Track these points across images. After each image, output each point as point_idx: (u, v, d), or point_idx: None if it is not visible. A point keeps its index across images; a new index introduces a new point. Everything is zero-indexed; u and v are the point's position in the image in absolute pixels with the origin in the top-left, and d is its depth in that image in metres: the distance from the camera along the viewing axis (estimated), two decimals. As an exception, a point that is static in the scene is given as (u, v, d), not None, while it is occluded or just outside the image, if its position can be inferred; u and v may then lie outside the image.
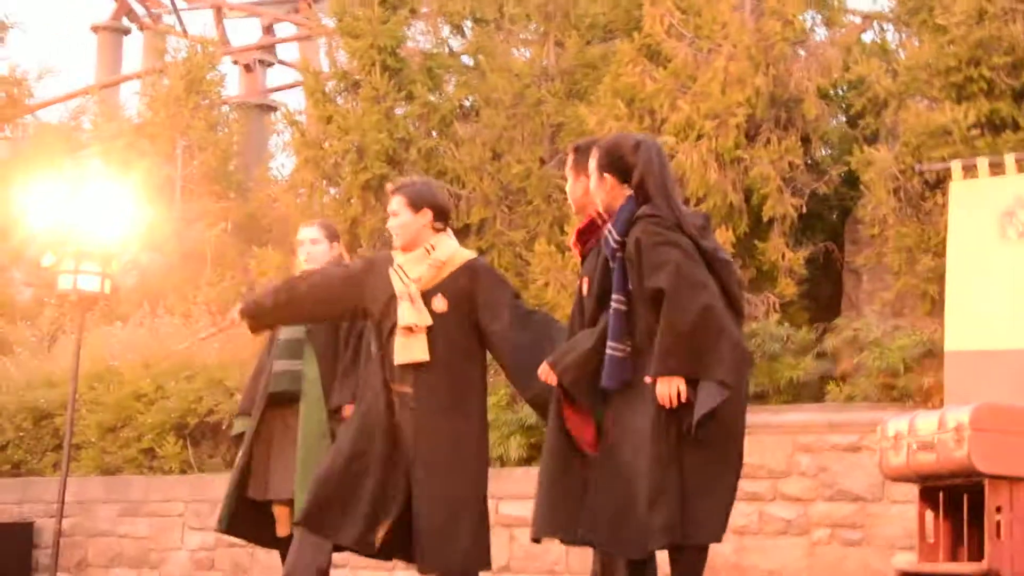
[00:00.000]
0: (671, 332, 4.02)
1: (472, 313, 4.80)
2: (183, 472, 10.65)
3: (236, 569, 9.77)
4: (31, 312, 14.21)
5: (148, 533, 10.27)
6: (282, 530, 5.80)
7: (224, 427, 10.58)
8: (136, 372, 11.28)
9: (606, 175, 4.28)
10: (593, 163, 4.34)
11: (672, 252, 4.11)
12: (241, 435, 6.11)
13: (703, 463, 4.03)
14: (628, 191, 4.25)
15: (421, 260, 4.83)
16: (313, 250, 6.02)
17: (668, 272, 4.07)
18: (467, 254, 4.99)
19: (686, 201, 9.55)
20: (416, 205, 4.91)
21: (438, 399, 4.73)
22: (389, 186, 5.19)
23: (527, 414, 9.13)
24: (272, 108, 17.17)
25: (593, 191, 4.36)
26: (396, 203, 4.94)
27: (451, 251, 4.91)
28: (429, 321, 4.72)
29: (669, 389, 4.00)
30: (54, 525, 9.76)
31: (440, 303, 4.78)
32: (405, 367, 4.73)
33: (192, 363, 11.11)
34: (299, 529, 4.79)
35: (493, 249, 11.30)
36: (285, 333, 5.92)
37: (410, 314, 4.72)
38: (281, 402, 5.89)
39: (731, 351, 4.07)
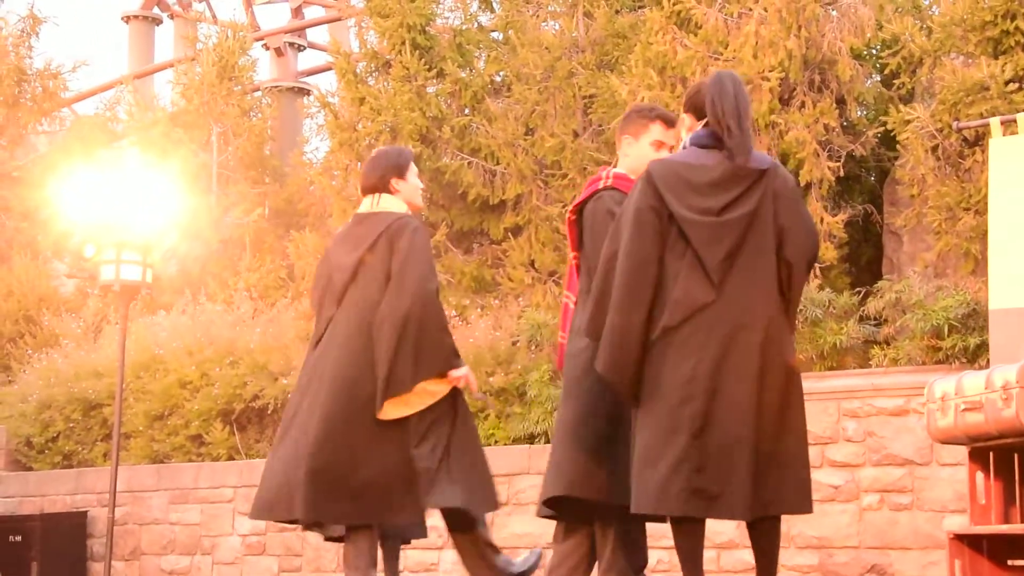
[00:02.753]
0: None
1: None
2: (231, 458, 10.75)
3: (288, 552, 9.85)
4: (75, 304, 14.35)
5: (199, 520, 10.38)
6: None
7: (270, 411, 10.66)
8: (181, 360, 11.37)
9: (684, 114, 4.28)
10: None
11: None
12: None
13: None
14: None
15: None
16: None
17: None
18: None
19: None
20: None
21: None
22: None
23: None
24: (305, 91, 17.19)
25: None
26: None
27: None
28: None
29: None
30: (107, 514, 9.88)
31: None
32: None
33: (235, 349, 11.19)
34: None
35: (530, 224, 11.29)
36: None
37: None
38: None
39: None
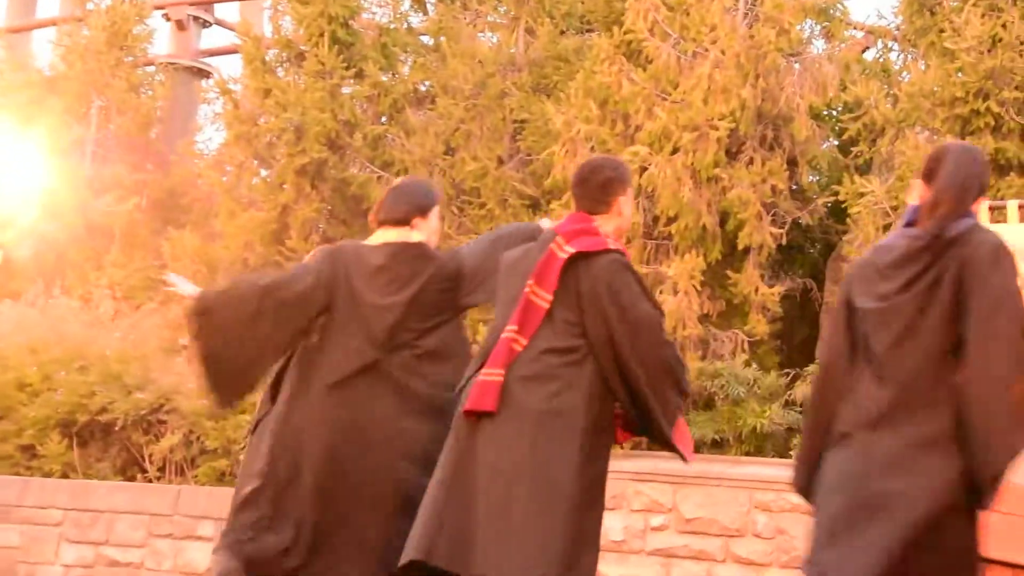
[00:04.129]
0: None
1: None
2: (65, 476, 10.48)
3: (116, 590, 9.63)
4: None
5: (19, 543, 10.07)
6: None
7: (117, 428, 10.44)
8: (22, 358, 11.09)
9: (917, 179, 4.21)
10: None
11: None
12: None
13: None
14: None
15: None
16: None
17: None
18: None
19: (655, 219, 9.58)
20: None
21: None
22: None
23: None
24: (205, 73, 17.00)
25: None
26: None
27: None
28: None
29: None
30: (-90, 525, 9.56)
31: None
32: None
33: (87, 353, 10.95)
34: None
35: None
36: None
37: None
38: None
39: None
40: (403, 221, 5.07)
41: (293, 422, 4.94)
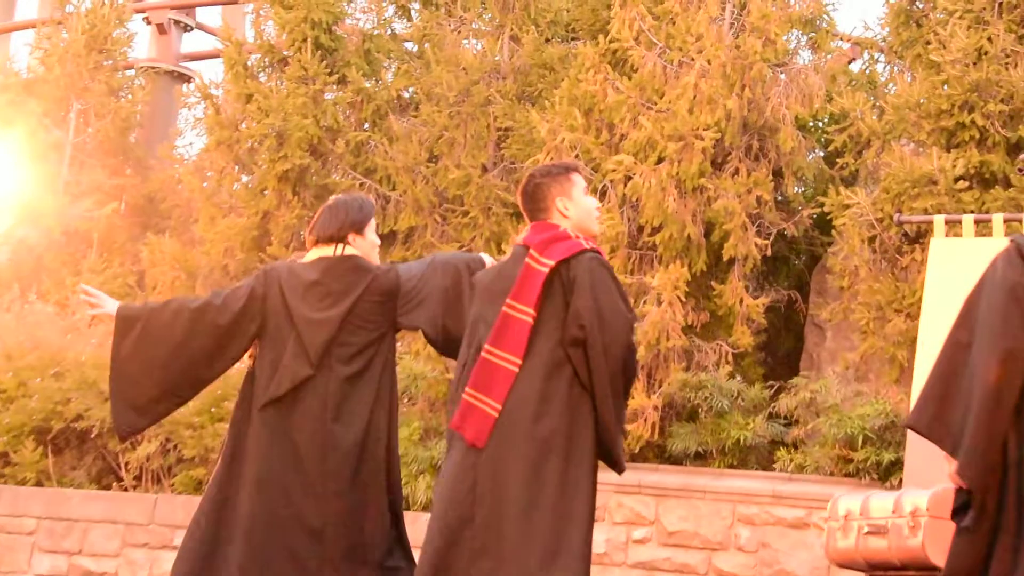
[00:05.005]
0: None
1: None
2: (39, 484, 10.43)
3: (91, 600, 9.60)
4: None
5: (-9, 551, 10.05)
6: None
7: (93, 435, 10.41)
8: (-3, 363, 11.06)
9: None
10: None
11: None
12: None
13: None
14: None
15: None
16: None
17: None
18: None
19: (639, 229, 9.61)
20: None
21: None
22: None
23: (439, 454, 9.07)
24: (185, 78, 16.98)
25: None
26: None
27: None
28: None
29: None
30: None
31: None
32: None
33: (63, 359, 10.91)
34: None
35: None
36: None
37: None
38: None
39: None
40: (337, 238, 5.09)
41: (234, 450, 4.94)
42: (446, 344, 5.12)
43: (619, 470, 4.50)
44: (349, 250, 5.07)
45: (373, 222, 5.23)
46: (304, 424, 4.87)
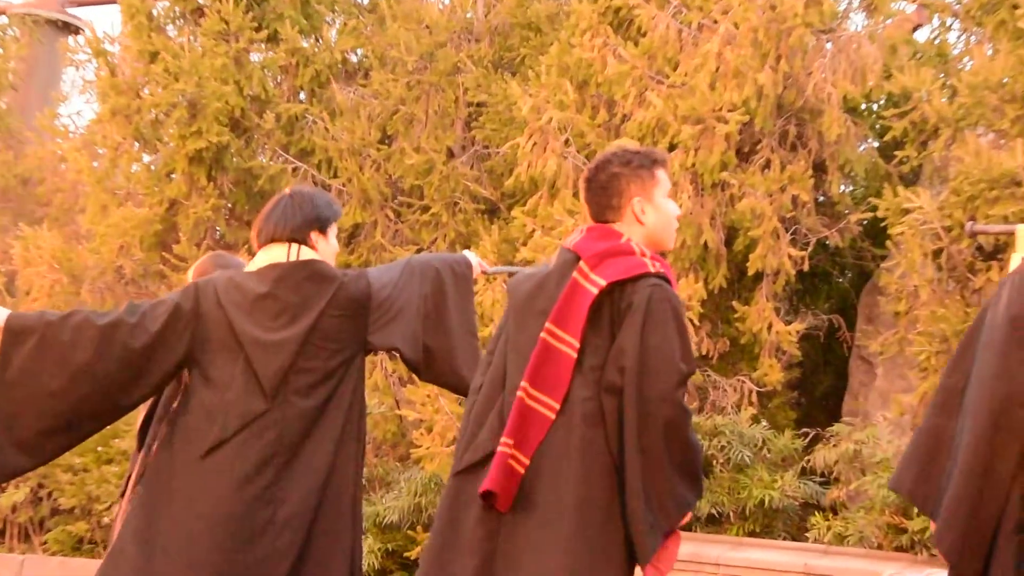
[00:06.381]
0: None
1: None
2: None
3: None
4: None
5: None
6: None
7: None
8: None
9: None
10: None
11: None
12: None
13: None
14: None
15: None
16: None
17: None
18: None
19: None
20: None
21: None
22: None
23: (385, 509, 9.06)
24: (72, 29, 16.95)
25: None
26: None
27: None
28: None
29: None
30: None
31: None
32: None
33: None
34: None
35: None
36: None
37: None
38: None
39: None
40: (296, 238, 5.04)
41: (153, 510, 4.83)
42: (429, 367, 5.09)
43: (641, 563, 4.34)
44: (307, 252, 5.00)
45: (335, 226, 5.16)
46: (257, 475, 4.81)
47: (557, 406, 4.28)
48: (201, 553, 4.73)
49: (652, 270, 4.36)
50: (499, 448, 4.27)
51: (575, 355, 4.30)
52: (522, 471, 4.27)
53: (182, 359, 4.93)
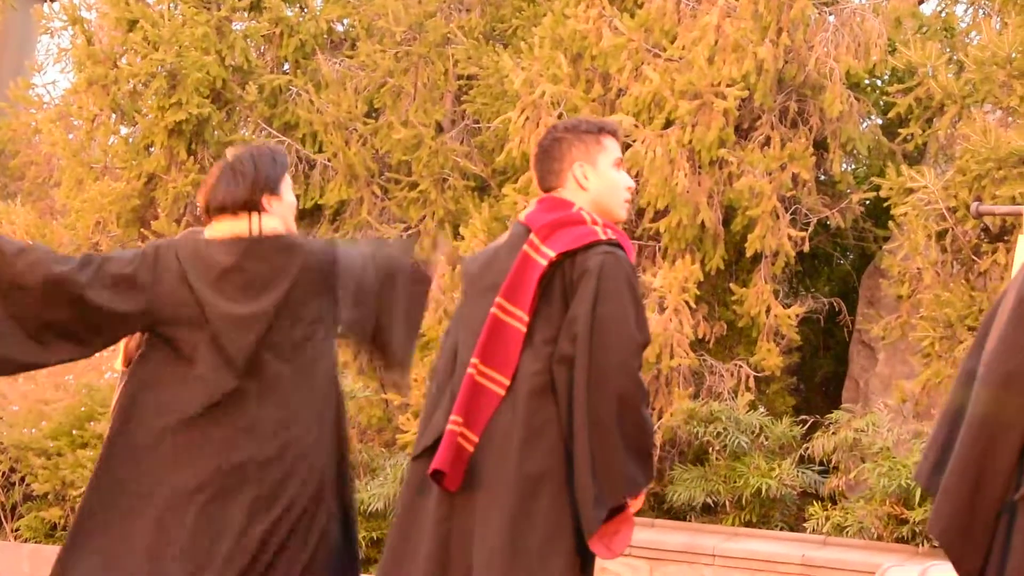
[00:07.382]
0: None
1: None
2: None
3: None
4: None
5: None
6: None
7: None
8: None
9: None
10: None
11: None
12: None
13: None
14: None
15: None
16: None
17: None
18: None
19: (639, 213, 9.59)
20: None
21: None
22: None
23: (370, 496, 9.03)
24: (48, -5, 16.86)
25: None
26: None
27: None
28: None
29: None
30: None
31: None
32: None
33: None
34: None
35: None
36: None
37: None
38: None
39: None
40: (250, 204, 4.95)
41: (110, 494, 4.77)
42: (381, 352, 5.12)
43: (587, 534, 4.27)
44: (269, 221, 4.91)
45: (288, 177, 5.09)
46: (228, 454, 4.74)
47: (507, 382, 4.30)
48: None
49: (604, 237, 4.36)
50: (448, 426, 4.27)
51: (524, 329, 4.31)
52: (471, 449, 4.28)
53: (132, 327, 4.89)
